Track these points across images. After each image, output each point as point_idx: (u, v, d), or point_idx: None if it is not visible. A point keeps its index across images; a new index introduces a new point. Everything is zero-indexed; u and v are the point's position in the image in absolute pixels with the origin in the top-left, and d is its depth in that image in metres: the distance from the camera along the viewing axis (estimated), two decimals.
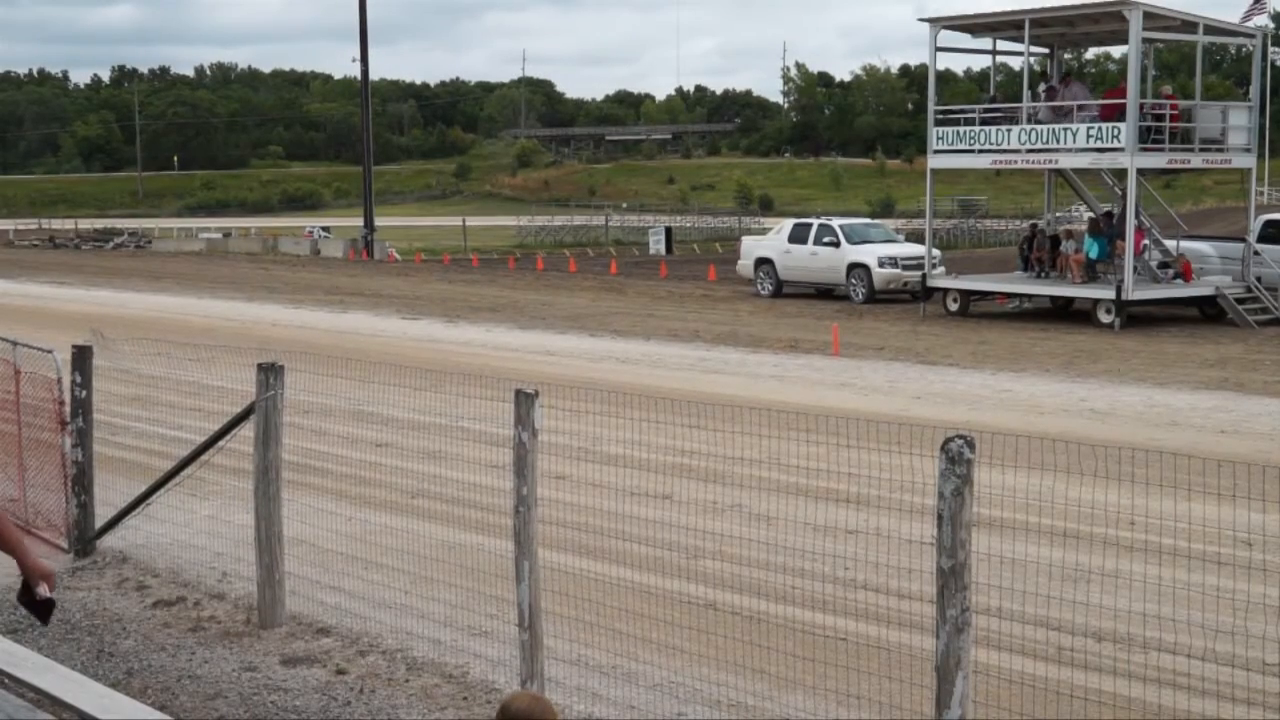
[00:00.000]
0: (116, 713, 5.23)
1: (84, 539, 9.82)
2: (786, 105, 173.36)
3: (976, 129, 28.45)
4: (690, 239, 75.49)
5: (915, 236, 40.01)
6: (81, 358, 9.65)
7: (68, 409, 9.82)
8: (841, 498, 9.67)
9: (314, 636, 7.78)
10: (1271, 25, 51.38)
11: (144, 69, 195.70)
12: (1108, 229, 27.57)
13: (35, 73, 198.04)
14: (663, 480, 9.92)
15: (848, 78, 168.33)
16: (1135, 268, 26.30)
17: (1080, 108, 27.23)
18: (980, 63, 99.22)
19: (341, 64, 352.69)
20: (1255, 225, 27.96)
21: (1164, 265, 28.06)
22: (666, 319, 27.82)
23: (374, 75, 67.31)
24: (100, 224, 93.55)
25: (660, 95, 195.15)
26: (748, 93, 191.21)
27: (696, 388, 17.08)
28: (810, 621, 7.67)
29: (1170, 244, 28.56)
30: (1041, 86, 28.56)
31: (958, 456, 4.62)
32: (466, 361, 19.53)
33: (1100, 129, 26.26)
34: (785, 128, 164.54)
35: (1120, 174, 27.09)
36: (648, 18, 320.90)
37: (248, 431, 8.21)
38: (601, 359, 21.32)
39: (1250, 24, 33.78)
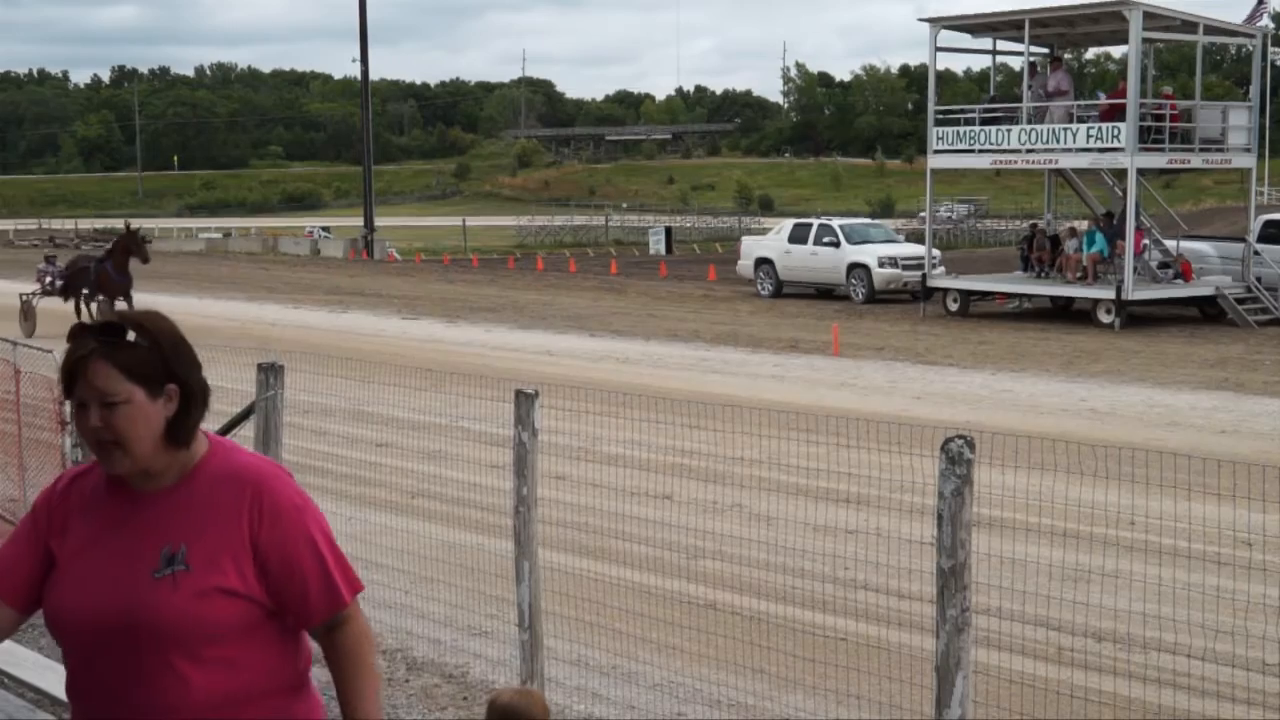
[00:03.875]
0: None
1: None
2: (786, 105, 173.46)
3: (976, 129, 28.45)
4: (690, 239, 75.49)
5: (915, 236, 40.02)
6: None
7: (67, 409, 9.81)
8: (841, 498, 9.66)
9: None
10: (1272, 25, 51.34)
11: (144, 69, 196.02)
12: (1108, 229, 27.57)
13: (35, 73, 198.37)
14: (663, 480, 9.92)
15: (848, 78, 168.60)
16: (1135, 268, 26.31)
17: (1062, 94, 27.25)
18: (980, 63, 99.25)
19: (341, 64, 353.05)
20: (1255, 225, 27.95)
21: (1164, 265, 28.06)
22: (666, 319, 27.82)
23: (374, 75, 67.33)
24: (100, 224, 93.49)
25: (660, 95, 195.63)
26: (748, 93, 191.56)
27: (696, 388, 17.08)
28: (810, 621, 7.67)
29: (1170, 244, 28.56)
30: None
31: (958, 456, 4.62)
32: (466, 361, 19.53)
33: (1100, 129, 26.26)
34: (785, 128, 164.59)
35: (1120, 174, 27.10)
36: (648, 18, 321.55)
37: (248, 431, 8.20)
38: (601, 359, 21.32)
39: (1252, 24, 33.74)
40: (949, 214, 76.43)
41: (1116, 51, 69.29)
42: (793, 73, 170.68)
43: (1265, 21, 35.58)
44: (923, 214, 77.89)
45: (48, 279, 26.44)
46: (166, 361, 2.79)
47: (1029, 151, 27.63)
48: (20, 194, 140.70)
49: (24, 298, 25.61)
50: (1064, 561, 7.88)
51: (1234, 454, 11.92)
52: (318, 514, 2.92)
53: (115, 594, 2.75)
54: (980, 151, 28.43)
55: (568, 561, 8.31)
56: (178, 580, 2.73)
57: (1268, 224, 27.75)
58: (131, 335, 2.79)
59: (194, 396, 2.83)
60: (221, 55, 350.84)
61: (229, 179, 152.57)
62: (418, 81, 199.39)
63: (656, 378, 18.73)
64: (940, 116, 29.56)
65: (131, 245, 24.59)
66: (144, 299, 33.89)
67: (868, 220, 42.89)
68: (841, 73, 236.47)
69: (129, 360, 2.75)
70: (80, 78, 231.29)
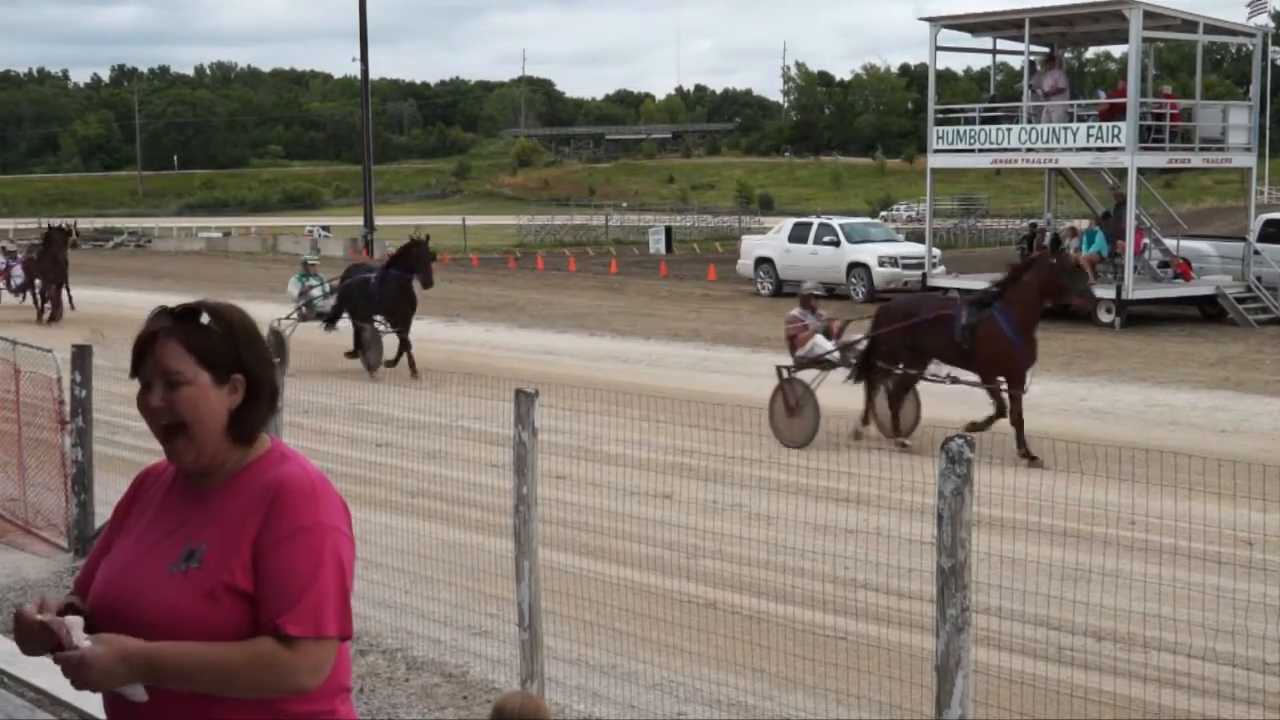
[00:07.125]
0: None
1: (84, 538, 9.82)
2: (786, 105, 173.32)
3: (976, 128, 28.46)
4: (690, 238, 75.39)
5: (915, 236, 40.03)
6: (81, 357, 9.64)
7: (67, 408, 9.82)
8: (841, 497, 9.66)
9: None
10: (1271, 25, 51.34)
11: (144, 68, 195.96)
12: (1108, 229, 27.56)
13: (35, 72, 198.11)
14: (663, 480, 9.92)
15: (848, 77, 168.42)
16: (1135, 267, 26.31)
17: (1060, 92, 27.25)
18: (980, 62, 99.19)
19: (341, 64, 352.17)
20: (1255, 225, 27.95)
21: (1164, 265, 28.05)
22: (666, 318, 27.81)
23: (374, 75, 67.33)
24: (100, 223, 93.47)
25: (660, 95, 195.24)
26: (748, 92, 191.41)
27: (697, 387, 17.06)
28: (810, 621, 7.66)
29: (1170, 243, 28.56)
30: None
31: (958, 456, 4.62)
32: (466, 361, 19.52)
33: (1100, 128, 26.26)
34: (785, 127, 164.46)
35: (1120, 173, 27.09)
36: (648, 18, 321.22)
37: None
38: (601, 358, 21.31)
39: (1251, 22, 33.74)
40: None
41: (1117, 51, 69.31)
42: (793, 72, 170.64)
43: (1265, 20, 35.55)
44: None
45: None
46: (238, 351, 2.77)
47: (1029, 151, 27.63)
48: (20, 193, 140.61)
49: None
50: (1064, 561, 7.87)
51: (1234, 454, 11.91)
52: (331, 543, 2.79)
53: (133, 585, 2.73)
54: (980, 151, 28.44)
55: (568, 561, 8.31)
56: (189, 577, 2.68)
57: (1268, 223, 27.74)
58: (206, 319, 2.78)
59: (260, 391, 2.81)
60: (221, 55, 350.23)
61: (229, 178, 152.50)
62: (418, 81, 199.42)
63: (656, 377, 18.72)
64: (940, 116, 29.57)
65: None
66: (144, 299, 33.87)
67: (868, 219, 42.86)
68: (841, 72, 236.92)
69: (199, 342, 2.74)
70: (80, 77, 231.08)
